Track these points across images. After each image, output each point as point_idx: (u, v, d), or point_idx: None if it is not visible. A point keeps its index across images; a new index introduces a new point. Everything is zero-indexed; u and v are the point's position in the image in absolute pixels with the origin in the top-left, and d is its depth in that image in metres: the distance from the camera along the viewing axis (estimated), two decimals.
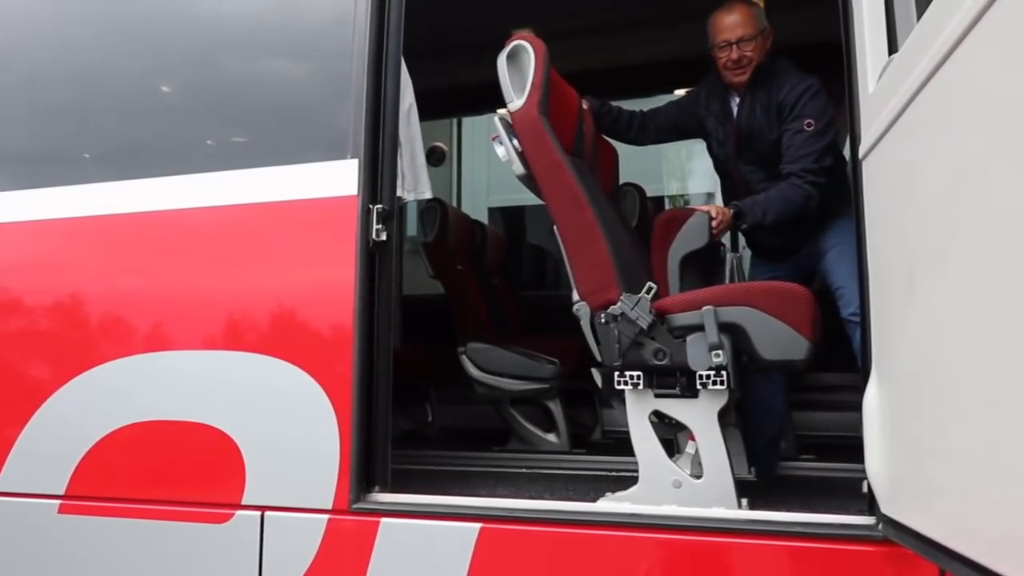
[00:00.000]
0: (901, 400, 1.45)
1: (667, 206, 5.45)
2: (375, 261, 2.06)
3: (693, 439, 2.03)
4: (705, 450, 1.98)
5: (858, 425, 1.63)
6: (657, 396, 2.02)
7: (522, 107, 2.15)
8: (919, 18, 1.44)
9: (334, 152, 2.12)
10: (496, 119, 2.23)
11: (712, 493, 1.93)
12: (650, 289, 2.01)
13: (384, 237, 2.05)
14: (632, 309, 1.99)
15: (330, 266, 2.08)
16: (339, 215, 2.07)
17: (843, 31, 1.74)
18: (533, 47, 2.19)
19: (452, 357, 3.28)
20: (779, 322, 1.98)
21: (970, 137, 1.06)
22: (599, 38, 3.97)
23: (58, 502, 2.21)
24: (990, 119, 1.00)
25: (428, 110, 2.51)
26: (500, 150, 2.22)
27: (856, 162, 1.69)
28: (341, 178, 2.08)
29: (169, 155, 2.34)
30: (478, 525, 1.88)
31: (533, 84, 2.14)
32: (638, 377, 1.99)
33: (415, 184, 2.28)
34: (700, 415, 1.99)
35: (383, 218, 2.05)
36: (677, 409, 2.02)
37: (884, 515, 1.55)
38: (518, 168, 2.19)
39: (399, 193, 2.16)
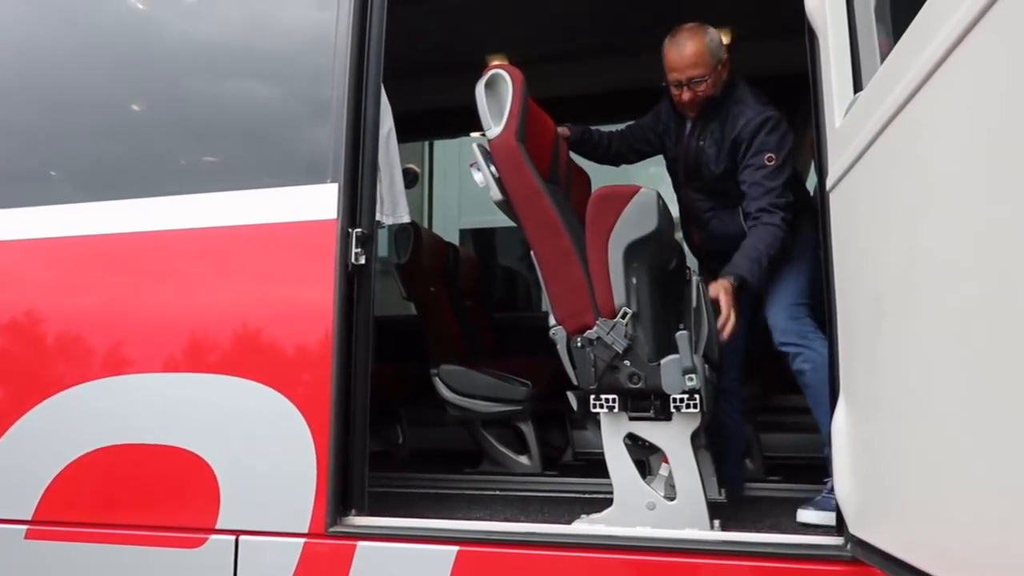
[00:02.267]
0: (868, 423, 1.51)
1: None
2: (353, 284, 2.07)
3: (666, 461, 2.07)
4: (679, 472, 2.02)
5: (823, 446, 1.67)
6: (632, 419, 2.06)
7: (500, 134, 2.18)
8: (882, 58, 1.52)
9: (313, 176, 2.13)
10: (474, 146, 2.26)
11: (686, 515, 1.97)
12: (625, 314, 2.04)
13: (363, 260, 2.07)
14: (608, 333, 2.03)
15: (308, 289, 2.09)
16: (318, 238, 2.08)
17: (810, 68, 1.81)
18: (511, 76, 2.23)
19: (423, 378, 3.28)
20: None
21: (933, 172, 1.12)
22: (572, 64, 4.05)
23: (25, 527, 2.16)
24: (951, 155, 1.06)
25: (401, 132, 2.54)
26: (478, 176, 2.25)
27: (823, 194, 1.75)
28: (320, 202, 2.09)
29: (149, 177, 2.33)
30: (455, 548, 1.89)
31: (511, 112, 2.18)
32: (614, 400, 2.03)
33: (394, 208, 2.30)
34: (674, 438, 2.03)
35: (362, 242, 2.07)
36: (651, 432, 2.06)
37: (852, 535, 1.60)
38: (495, 194, 2.22)
39: (378, 217, 2.18)
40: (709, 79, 2.47)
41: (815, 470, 2.70)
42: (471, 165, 2.27)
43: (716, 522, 1.99)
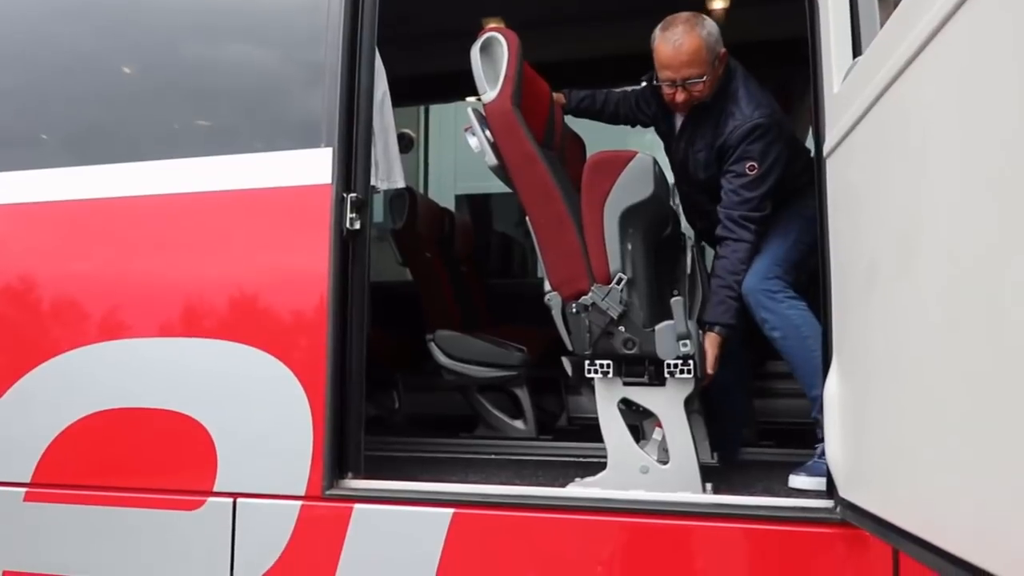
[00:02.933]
0: (859, 389, 1.52)
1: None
2: (349, 249, 2.07)
3: (660, 426, 2.09)
4: (672, 437, 2.04)
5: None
6: (626, 384, 2.07)
7: (495, 99, 2.16)
8: (882, 23, 1.51)
9: (308, 140, 2.12)
10: (469, 110, 2.24)
11: (679, 479, 1.99)
12: (620, 280, 2.04)
13: (358, 226, 2.06)
14: (603, 299, 2.03)
15: (304, 254, 2.08)
16: (313, 203, 2.07)
17: (809, 33, 1.80)
18: (507, 40, 2.20)
19: (419, 344, 3.30)
20: None
21: (930, 138, 1.12)
22: (571, 28, 4.00)
23: (24, 490, 2.19)
24: (949, 122, 1.06)
25: (396, 97, 2.52)
26: (473, 141, 2.23)
27: (820, 159, 1.75)
28: (315, 166, 2.08)
29: (143, 141, 2.31)
30: (451, 511, 1.91)
31: (506, 77, 2.15)
32: (608, 366, 2.04)
33: (388, 173, 2.29)
34: (667, 403, 2.05)
35: (357, 207, 2.06)
36: (645, 397, 2.07)
37: (842, 499, 1.63)
38: (491, 159, 2.20)
39: (373, 182, 2.17)
40: (707, 79, 2.32)
41: (807, 435, 2.73)
42: (466, 129, 2.25)
43: (708, 485, 2.02)
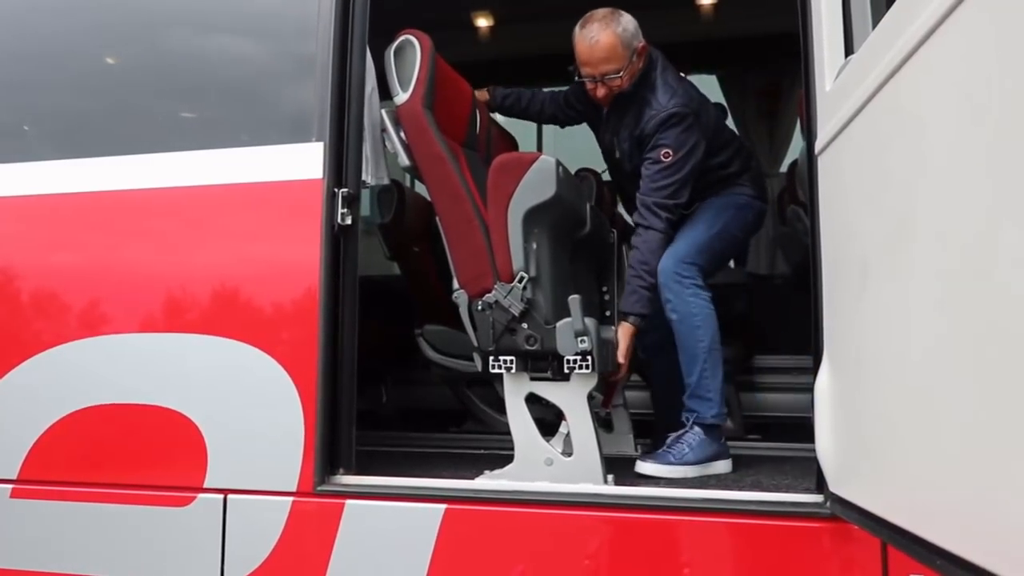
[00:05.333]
0: (850, 384, 1.54)
1: None
2: (340, 245, 2.06)
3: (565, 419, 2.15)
4: (575, 430, 2.10)
5: (803, 406, 1.71)
6: (532, 379, 2.13)
7: (407, 101, 2.20)
8: (874, 22, 1.52)
9: (298, 134, 2.11)
10: (383, 112, 2.27)
11: (581, 470, 2.05)
12: (522, 279, 2.10)
13: (349, 221, 2.06)
14: (505, 297, 2.09)
15: (294, 249, 2.08)
16: (304, 198, 2.06)
17: (801, 31, 1.80)
18: (419, 42, 2.24)
19: (407, 338, 3.29)
20: None
21: (923, 139, 1.13)
22: (557, 22, 3.99)
23: (10, 486, 2.17)
24: (942, 121, 1.07)
25: (383, 91, 2.51)
26: (388, 143, 2.26)
27: (812, 156, 1.76)
28: (306, 161, 2.07)
29: (134, 134, 2.29)
30: (443, 506, 1.92)
31: (418, 79, 2.20)
32: (511, 361, 2.10)
33: (376, 168, 2.28)
34: (571, 397, 2.11)
35: (348, 202, 2.06)
36: (550, 391, 2.13)
37: (832, 493, 1.64)
38: (403, 160, 2.25)
39: (364, 177, 2.16)
40: (624, 73, 2.38)
41: (795, 429, 2.76)
42: (383, 132, 2.27)
43: (611, 477, 2.07)
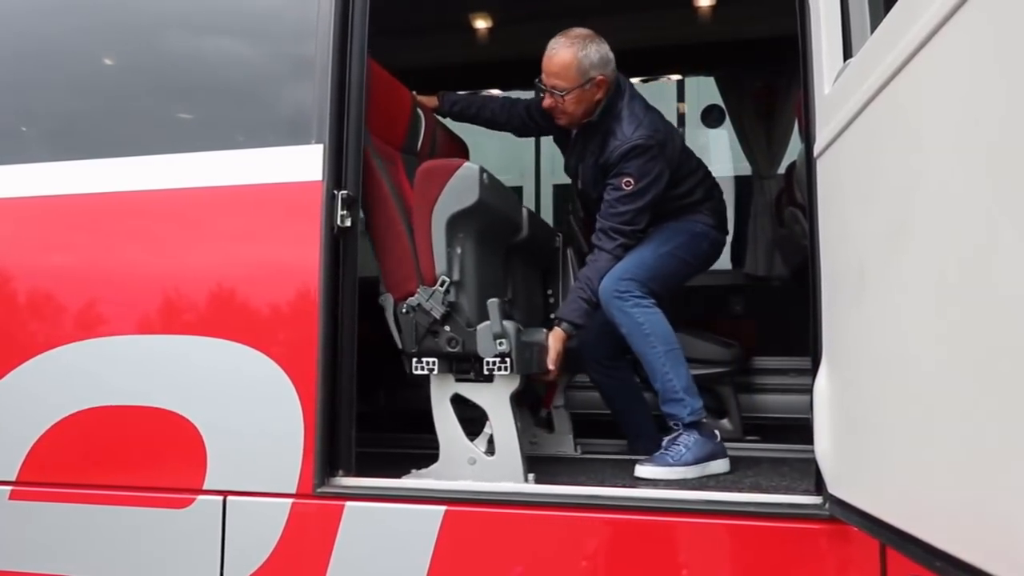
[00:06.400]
0: (849, 386, 1.54)
1: None
2: (339, 247, 2.07)
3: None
4: (497, 430, 2.15)
5: (801, 407, 1.71)
6: (457, 380, 2.18)
7: None
8: (872, 25, 1.52)
9: (298, 136, 2.11)
10: None
11: (502, 469, 2.11)
12: (444, 282, 2.14)
13: (349, 223, 2.06)
14: (427, 300, 2.14)
15: (294, 251, 2.08)
16: (303, 200, 2.06)
17: (800, 35, 1.81)
18: None
19: None
20: None
21: (921, 142, 1.14)
22: (556, 23, 4.00)
23: (9, 488, 2.16)
24: (942, 125, 1.07)
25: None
26: None
27: (811, 159, 1.77)
28: (306, 163, 2.07)
29: (133, 136, 2.29)
30: (443, 508, 1.92)
31: None
32: (433, 363, 2.15)
33: None
34: (494, 398, 2.16)
35: (347, 204, 2.06)
36: (474, 392, 2.18)
37: (831, 495, 1.65)
38: None
39: None
40: (570, 95, 2.41)
41: (793, 430, 2.77)
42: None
43: (531, 476, 2.12)
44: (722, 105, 4.53)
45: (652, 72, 4.56)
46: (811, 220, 1.79)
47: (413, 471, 2.16)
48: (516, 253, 2.70)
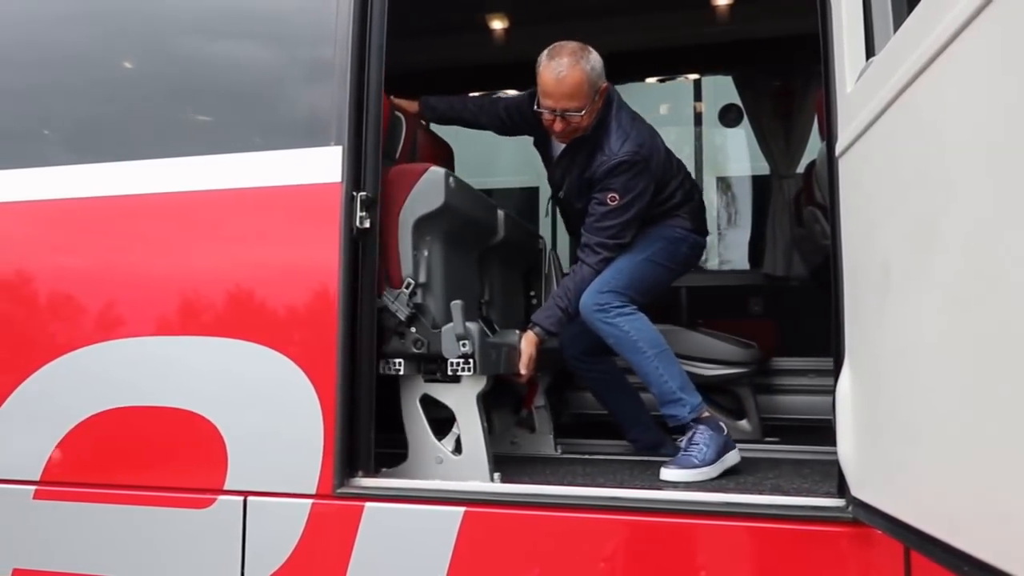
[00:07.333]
0: (873, 388, 1.53)
1: None
2: (358, 248, 2.07)
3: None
4: (464, 430, 2.18)
5: (821, 408, 1.70)
6: (426, 381, 2.21)
7: None
8: (895, 23, 1.51)
9: (317, 138, 2.12)
10: None
11: (469, 469, 2.13)
12: (409, 285, 2.17)
13: (367, 224, 2.06)
14: (393, 303, 2.16)
15: (313, 252, 2.08)
16: (323, 202, 2.07)
17: (821, 33, 1.79)
18: None
19: None
20: None
21: (947, 142, 1.12)
22: (573, 23, 4.00)
23: (33, 488, 2.19)
24: (965, 126, 1.06)
25: (396, 92, 2.52)
26: None
27: (832, 159, 1.75)
28: (325, 165, 2.08)
29: (153, 139, 2.30)
30: (462, 509, 1.92)
31: None
32: (400, 364, 2.17)
33: None
34: (460, 398, 2.19)
35: (366, 205, 2.06)
36: (441, 393, 2.21)
37: (854, 497, 1.63)
38: None
39: None
40: (585, 112, 2.35)
41: (812, 431, 2.74)
42: None
43: (497, 475, 2.14)
44: (740, 104, 4.50)
45: (670, 72, 4.54)
46: (833, 220, 1.77)
47: (384, 470, 2.18)
48: (494, 255, 2.74)
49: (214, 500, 2.06)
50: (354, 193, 2.06)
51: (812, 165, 3.48)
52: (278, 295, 2.10)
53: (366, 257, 2.08)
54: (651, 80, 4.79)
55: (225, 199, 2.18)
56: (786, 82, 4.16)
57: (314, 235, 2.09)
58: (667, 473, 2.20)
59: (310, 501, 2.00)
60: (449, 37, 3.93)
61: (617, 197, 2.38)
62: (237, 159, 2.18)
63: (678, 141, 5.20)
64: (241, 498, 2.04)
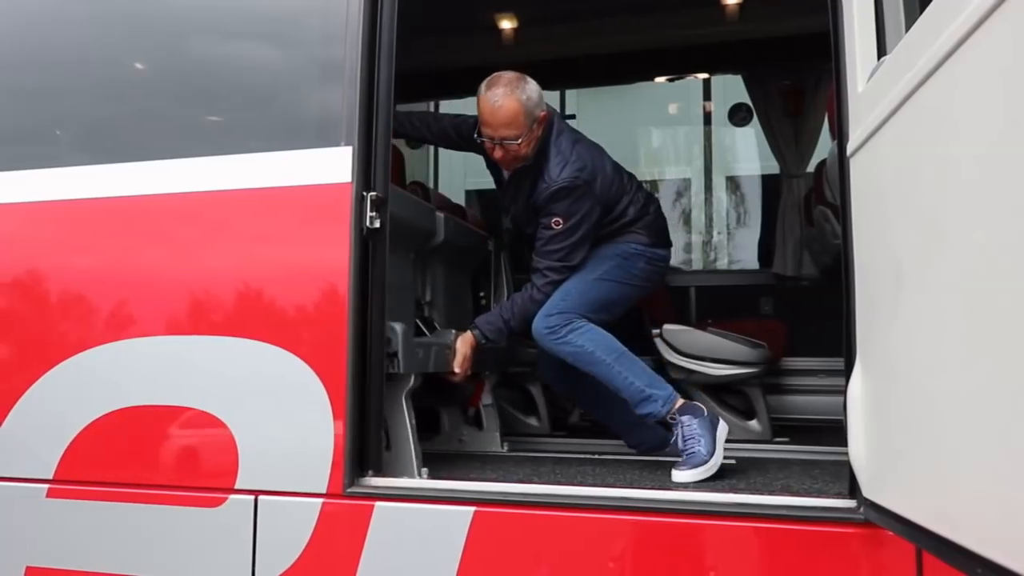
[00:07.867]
0: (885, 388, 1.52)
1: None
2: (369, 248, 2.08)
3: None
4: (392, 426, 2.22)
5: (831, 408, 1.69)
6: None
7: None
8: (907, 23, 1.50)
9: (327, 139, 2.12)
10: None
11: (396, 465, 2.19)
12: None
13: (378, 224, 2.07)
14: None
15: (324, 252, 2.09)
16: (333, 202, 2.07)
17: (832, 32, 1.79)
18: None
19: None
20: None
21: (959, 142, 1.12)
22: (581, 23, 3.99)
23: (46, 486, 2.20)
24: (977, 127, 1.05)
25: (406, 93, 2.52)
26: None
27: (843, 158, 1.74)
28: (335, 165, 2.08)
29: (163, 140, 2.32)
30: (472, 509, 1.92)
31: None
32: None
33: None
34: (389, 396, 2.19)
35: (377, 205, 2.07)
36: None
37: (865, 498, 1.63)
38: None
39: None
40: (523, 140, 2.40)
41: (824, 431, 2.73)
42: None
43: (424, 471, 2.21)
44: (749, 103, 4.49)
45: (679, 71, 4.52)
46: (844, 220, 1.76)
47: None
48: (436, 256, 2.78)
49: (225, 499, 2.07)
50: (364, 193, 2.06)
51: (822, 164, 3.47)
52: (288, 295, 2.11)
53: (376, 256, 2.09)
54: (660, 79, 4.78)
55: (236, 199, 2.19)
56: (796, 81, 4.15)
57: (324, 235, 2.10)
58: (679, 475, 2.19)
59: (321, 500, 2.00)
60: (458, 38, 3.92)
61: (561, 221, 2.43)
62: (248, 159, 2.19)
63: (688, 140, 5.18)
64: (252, 497, 2.05)
